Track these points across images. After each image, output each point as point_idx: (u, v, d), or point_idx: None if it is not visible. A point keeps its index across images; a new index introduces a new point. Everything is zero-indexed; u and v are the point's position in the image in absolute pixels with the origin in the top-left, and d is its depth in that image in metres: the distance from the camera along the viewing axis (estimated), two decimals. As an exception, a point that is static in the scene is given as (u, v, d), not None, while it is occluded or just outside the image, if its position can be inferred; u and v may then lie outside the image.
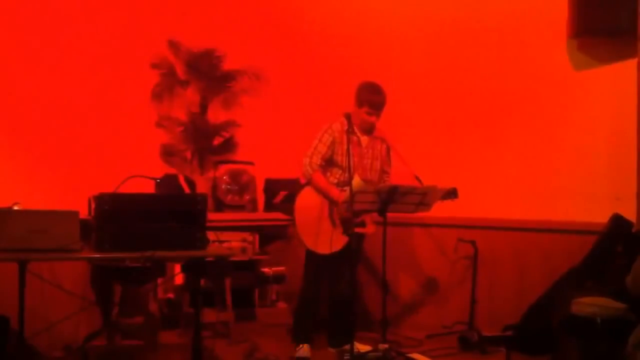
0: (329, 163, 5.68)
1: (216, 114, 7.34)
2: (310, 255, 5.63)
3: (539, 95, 6.39)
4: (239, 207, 6.95)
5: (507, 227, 6.37)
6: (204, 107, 7.28)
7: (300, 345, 5.70)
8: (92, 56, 6.74)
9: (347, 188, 5.54)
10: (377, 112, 5.63)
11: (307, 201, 5.64)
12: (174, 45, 7.20)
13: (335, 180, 5.66)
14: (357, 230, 5.52)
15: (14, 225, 4.27)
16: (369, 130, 5.66)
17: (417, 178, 5.52)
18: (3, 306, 4.90)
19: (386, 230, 5.42)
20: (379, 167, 5.72)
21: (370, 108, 5.61)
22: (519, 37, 6.45)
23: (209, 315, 6.07)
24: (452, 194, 5.52)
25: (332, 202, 5.59)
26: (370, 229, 5.61)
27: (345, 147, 5.58)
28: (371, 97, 5.63)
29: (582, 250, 5.61)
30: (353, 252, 5.43)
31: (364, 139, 5.71)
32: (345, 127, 5.61)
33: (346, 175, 5.55)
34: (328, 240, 5.54)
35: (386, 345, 5.41)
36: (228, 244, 6.20)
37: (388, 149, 5.84)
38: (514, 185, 6.43)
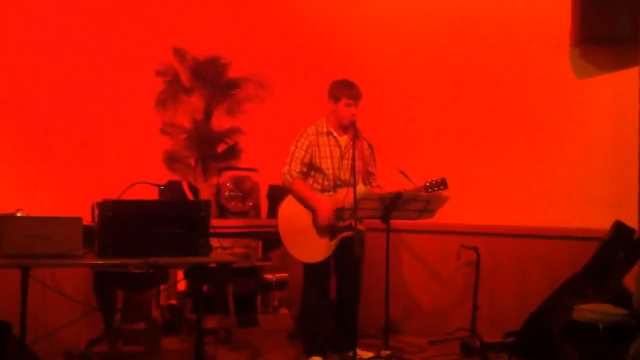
0: (309, 168, 5.65)
1: (220, 121, 7.35)
2: (307, 263, 5.62)
3: (542, 103, 6.41)
4: (242, 214, 6.96)
5: (509, 233, 6.39)
6: (208, 114, 7.30)
7: (311, 358, 5.60)
8: (97, 63, 6.77)
9: (332, 193, 5.56)
10: (355, 102, 5.57)
11: (290, 210, 5.61)
12: (179, 53, 7.22)
13: (319, 187, 5.63)
14: (345, 234, 5.50)
15: (17, 231, 4.30)
16: (349, 125, 5.53)
17: (402, 173, 5.50)
18: (5, 312, 4.91)
19: (389, 237, 5.44)
20: (362, 167, 5.60)
21: (349, 99, 5.56)
22: (522, 45, 6.48)
23: (211, 322, 6.08)
24: (441, 184, 5.50)
25: (313, 212, 5.53)
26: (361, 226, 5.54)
27: (323, 149, 5.60)
28: (347, 89, 5.59)
29: (584, 256, 5.62)
30: (354, 256, 5.40)
31: (343, 139, 5.66)
32: (321, 129, 5.63)
33: (328, 180, 5.59)
34: (315, 249, 5.51)
35: (388, 352, 5.44)
36: (231, 250, 6.20)
37: (371, 149, 5.77)
38: (516, 192, 6.44)
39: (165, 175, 6.92)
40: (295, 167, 5.59)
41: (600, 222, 5.68)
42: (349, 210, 5.33)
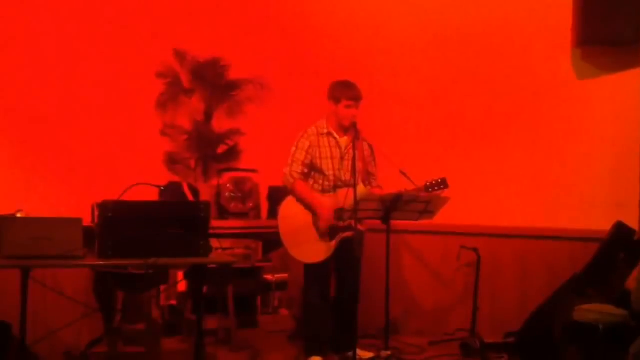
0: (310, 169, 5.66)
1: (220, 123, 7.35)
2: (307, 263, 5.63)
3: (543, 104, 6.41)
4: (243, 215, 6.97)
5: (509, 234, 6.39)
6: (208, 116, 7.30)
7: (312, 358, 5.61)
8: (97, 64, 6.76)
9: (333, 194, 5.57)
10: (356, 104, 5.58)
11: (290, 210, 5.63)
12: (179, 55, 7.22)
13: (319, 187, 5.64)
14: (346, 235, 5.52)
15: (17, 232, 4.29)
16: (350, 126, 5.53)
17: (402, 173, 5.51)
18: (5, 312, 4.92)
19: (389, 238, 5.44)
20: (362, 168, 5.61)
21: (349, 100, 5.56)
22: (523, 46, 6.48)
23: (212, 322, 6.08)
24: (441, 184, 5.51)
25: (314, 214, 5.56)
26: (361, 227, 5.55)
27: (323, 150, 5.61)
28: (347, 91, 5.60)
29: (584, 257, 5.60)
30: (354, 256, 5.40)
31: (344, 140, 5.67)
32: (322, 130, 5.64)
33: (328, 180, 5.61)
34: (314, 249, 5.53)
35: (388, 352, 5.45)
36: (231, 251, 6.21)
37: (372, 150, 5.78)
38: (516, 193, 6.44)
39: (165, 177, 6.92)
40: (296, 168, 5.61)
41: (601, 222, 5.65)
42: (349, 211, 5.34)
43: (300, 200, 5.61)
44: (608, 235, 5.57)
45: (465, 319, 6.25)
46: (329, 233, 5.54)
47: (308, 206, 5.58)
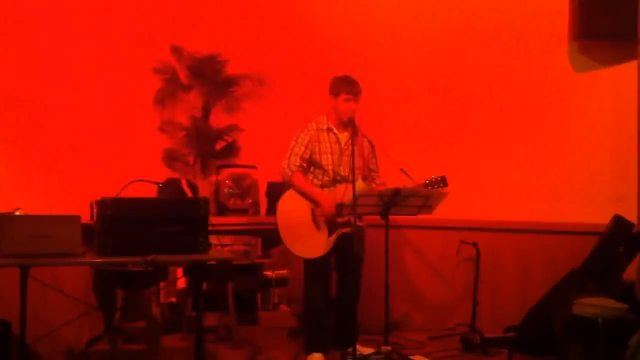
0: (309, 164, 5.67)
1: (219, 119, 7.34)
2: (306, 259, 5.63)
3: (541, 97, 6.42)
4: (242, 211, 6.95)
5: (509, 228, 6.41)
6: (206, 112, 7.29)
7: (312, 355, 5.61)
8: (94, 61, 6.76)
9: (332, 189, 5.56)
10: (355, 98, 5.59)
11: (289, 205, 5.62)
12: (176, 50, 7.20)
13: (319, 182, 5.65)
14: (344, 230, 5.51)
15: (15, 230, 4.27)
16: (348, 121, 5.56)
17: (402, 171, 5.50)
18: (5, 311, 4.91)
19: (388, 233, 5.44)
20: (362, 164, 5.62)
21: (347, 94, 5.57)
22: (520, 39, 6.49)
23: (212, 319, 6.08)
24: (441, 182, 5.51)
25: (315, 203, 5.56)
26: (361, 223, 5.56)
27: (323, 146, 5.62)
28: (346, 85, 5.61)
29: (583, 251, 5.62)
30: (354, 253, 5.40)
31: (343, 136, 5.68)
32: (322, 126, 5.64)
33: (328, 175, 5.61)
34: (313, 244, 5.52)
35: (389, 348, 5.42)
36: (230, 247, 6.20)
37: (372, 147, 5.78)
38: (515, 187, 6.45)
39: (164, 173, 6.90)
40: (294, 161, 5.61)
41: (601, 216, 5.67)
42: (347, 207, 5.33)
43: (300, 191, 5.60)
44: (607, 229, 5.58)
45: (465, 314, 6.27)
46: (327, 228, 5.54)
47: (308, 197, 5.58)
